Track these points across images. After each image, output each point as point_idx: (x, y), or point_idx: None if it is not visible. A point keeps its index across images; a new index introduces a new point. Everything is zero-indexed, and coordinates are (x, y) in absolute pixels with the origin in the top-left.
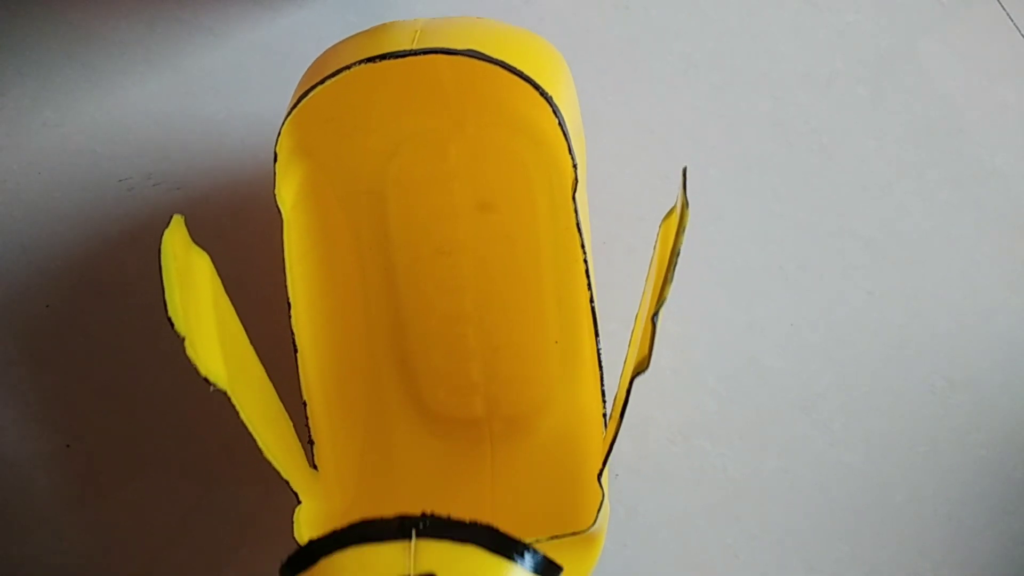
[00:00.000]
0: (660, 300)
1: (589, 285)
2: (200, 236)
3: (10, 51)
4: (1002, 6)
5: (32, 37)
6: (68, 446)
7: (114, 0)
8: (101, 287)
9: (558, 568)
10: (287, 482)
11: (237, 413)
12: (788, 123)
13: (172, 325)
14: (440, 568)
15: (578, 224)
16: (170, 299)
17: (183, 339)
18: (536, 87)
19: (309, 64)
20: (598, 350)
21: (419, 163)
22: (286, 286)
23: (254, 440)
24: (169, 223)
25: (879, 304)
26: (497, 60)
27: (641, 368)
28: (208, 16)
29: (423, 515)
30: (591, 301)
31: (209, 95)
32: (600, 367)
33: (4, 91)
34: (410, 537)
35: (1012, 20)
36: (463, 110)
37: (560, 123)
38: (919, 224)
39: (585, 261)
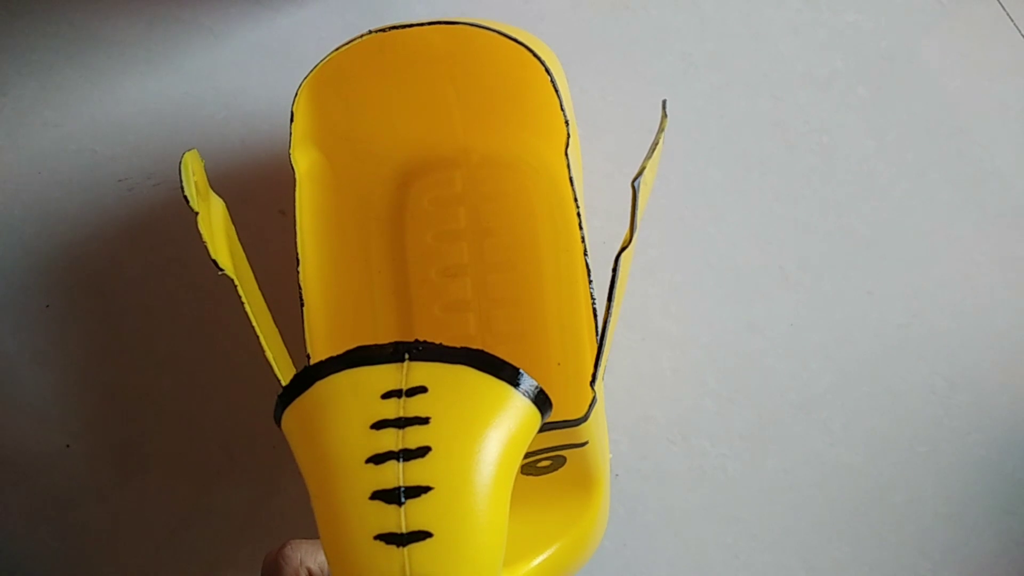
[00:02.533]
0: (640, 169)
1: (589, 276)
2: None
3: (10, 51)
4: (1002, 6)
5: (32, 37)
6: (68, 446)
7: (114, 0)
8: (101, 287)
9: (548, 400)
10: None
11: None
12: (788, 123)
13: (187, 202)
14: (432, 382)
15: (571, 179)
16: (186, 182)
17: (196, 215)
18: (529, 49)
19: (309, 63)
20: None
21: (427, 191)
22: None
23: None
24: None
25: (879, 304)
26: (492, 28)
27: (625, 243)
28: (208, 16)
29: (416, 341)
30: (592, 303)
31: (209, 95)
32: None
33: (4, 91)
34: (403, 359)
35: (1012, 20)
36: (468, 138)
37: (552, 81)
38: (919, 224)
39: (583, 238)
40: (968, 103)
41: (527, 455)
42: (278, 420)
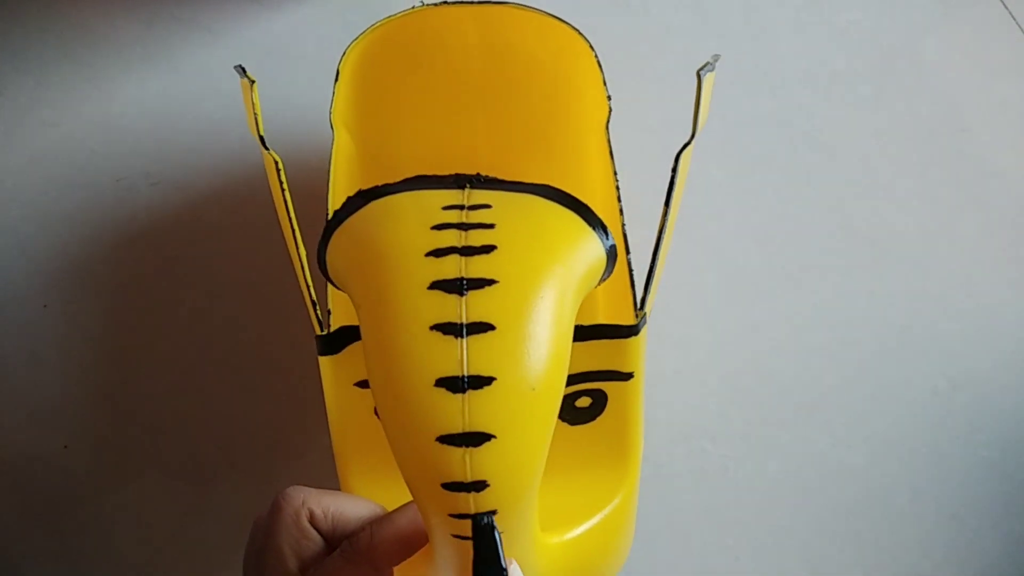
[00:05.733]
0: (706, 63)
1: (626, 243)
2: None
3: (8, 49)
4: (1004, 4)
5: (30, 35)
6: (66, 447)
7: None
8: (99, 287)
9: (614, 255)
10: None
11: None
12: (790, 122)
13: (244, 72)
14: (496, 201)
15: (611, 153)
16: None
17: (253, 83)
18: (568, 25)
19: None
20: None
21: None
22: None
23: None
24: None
25: (881, 304)
26: (533, 7)
27: (690, 140)
28: (207, 14)
29: (478, 174)
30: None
31: (208, 94)
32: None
33: (2, 90)
34: (464, 187)
35: (1014, 18)
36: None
37: (595, 55)
38: (921, 224)
39: (620, 208)
40: (970, 102)
41: (569, 383)
42: (323, 255)
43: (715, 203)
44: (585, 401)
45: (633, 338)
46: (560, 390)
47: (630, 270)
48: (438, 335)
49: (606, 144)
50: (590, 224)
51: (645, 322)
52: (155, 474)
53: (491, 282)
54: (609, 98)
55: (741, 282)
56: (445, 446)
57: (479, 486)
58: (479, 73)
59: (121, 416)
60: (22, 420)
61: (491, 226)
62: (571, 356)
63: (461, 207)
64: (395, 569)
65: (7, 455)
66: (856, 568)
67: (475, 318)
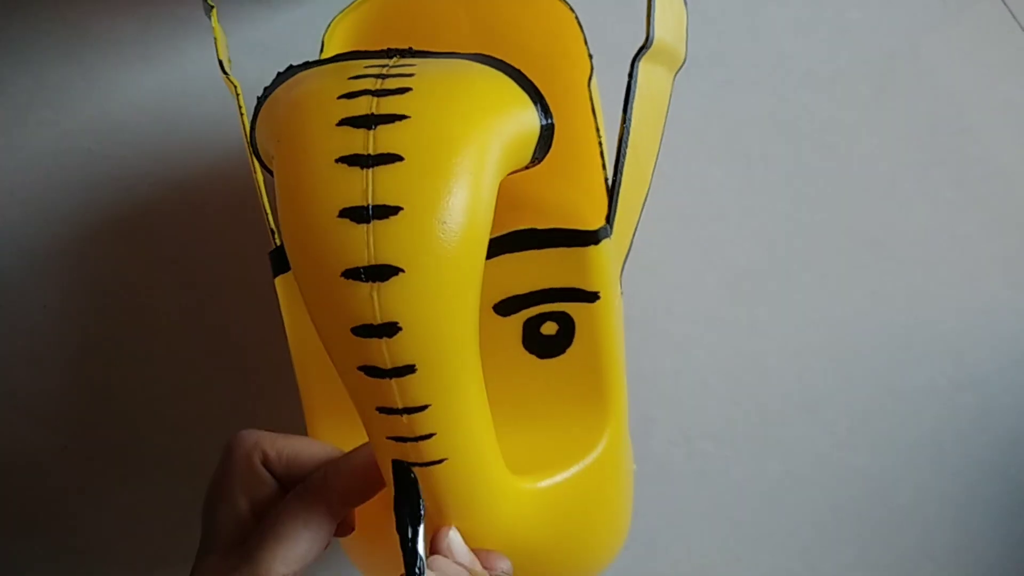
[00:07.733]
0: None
1: (609, 191)
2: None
3: (6, 49)
4: (1005, 4)
5: (29, 35)
6: (65, 447)
7: None
8: (98, 287)
9: (550, 135)
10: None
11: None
12: (791, 122)
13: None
14: (423, 62)
15: (593, 111)
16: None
17: (212, 8)
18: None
19: None
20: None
21: None
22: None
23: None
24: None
25: (883, 304)
26: None
27: (645, 44)
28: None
29: (410, 48)
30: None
31: (206, 93)
32: None
33: (1, 90)
34: (394, 57)
35: (1016, 18)
36: None
37: (576, 17)
38: (923, 223)
39: (604, 165)
40: (971, 102)
41: (530, 301)
42: (254, 133)
43: (715, 202)
44: (551, 327)
45: (593, 248)
46: (479, 235)
47: (610, 213)
48: (343, 167)
49: (589, 101)
50: (528, 94)
51: (607, 235)
52: (155, 474)
53: (402, 117)
54: (591, 56)
55: (741, 282)
56: (351, 282)
57: (390, 329)
58: (466, 38)
59: (121, 416)
60: (22, 420)
61: (411, 75)
62: (528, 270)
63: (385, 66)
64: (358, 524)
65: (8, 455)
66: (857, 568)
67: (382, 150)
